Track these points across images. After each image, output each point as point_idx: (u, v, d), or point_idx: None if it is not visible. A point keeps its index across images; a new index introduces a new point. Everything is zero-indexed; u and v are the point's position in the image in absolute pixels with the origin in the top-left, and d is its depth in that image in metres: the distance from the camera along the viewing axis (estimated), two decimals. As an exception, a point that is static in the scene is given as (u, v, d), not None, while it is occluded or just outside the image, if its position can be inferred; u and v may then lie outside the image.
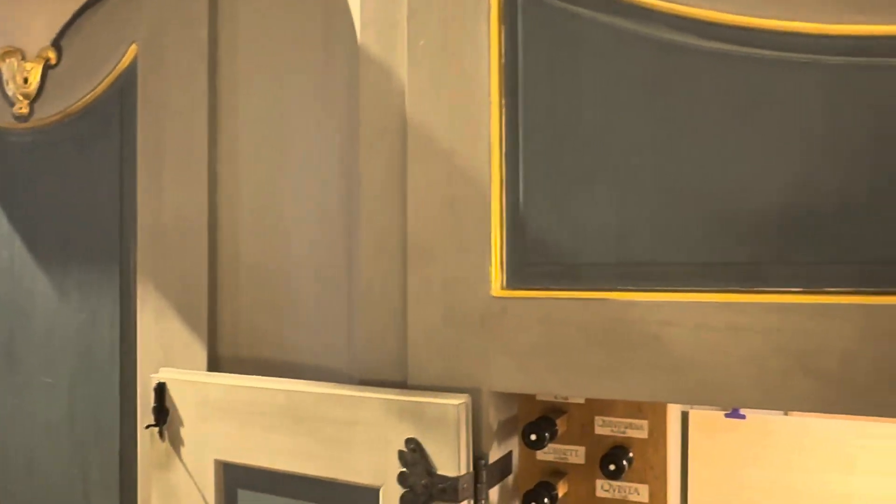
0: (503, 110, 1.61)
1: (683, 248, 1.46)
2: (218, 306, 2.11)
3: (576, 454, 1.79)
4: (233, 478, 1.86)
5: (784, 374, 1.39)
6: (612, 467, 1.63)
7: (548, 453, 1.81)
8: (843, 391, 1.35)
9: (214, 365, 2.09)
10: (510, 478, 1.76)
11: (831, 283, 1.36)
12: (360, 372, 1.79)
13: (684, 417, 1.98)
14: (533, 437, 1.63)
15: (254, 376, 1.90)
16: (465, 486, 1.55)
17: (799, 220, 1.38)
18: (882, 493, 1.79)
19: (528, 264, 1.59)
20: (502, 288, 1.61)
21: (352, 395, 1.67)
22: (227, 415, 1.83)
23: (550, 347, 1.57)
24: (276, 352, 2.05)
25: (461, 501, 1.54)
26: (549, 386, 1.58)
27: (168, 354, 2.13)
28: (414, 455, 1.58)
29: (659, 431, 1.71)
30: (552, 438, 1.68)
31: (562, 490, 1.76)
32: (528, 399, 1.81)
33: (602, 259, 1.52)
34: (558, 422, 1.72)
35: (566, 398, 1.80)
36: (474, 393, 1.63)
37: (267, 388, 1.78)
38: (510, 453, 1.76)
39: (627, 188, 1.49)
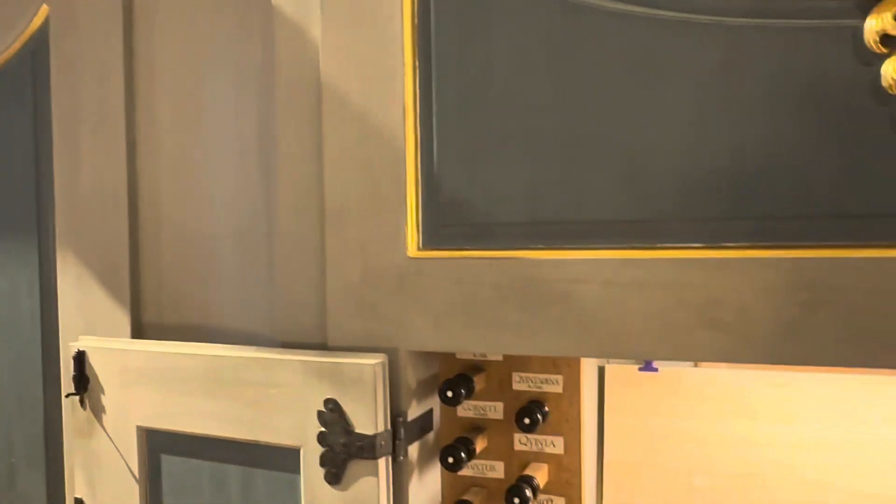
0: (417, 72, 1.62)
1: (590, 207, 1.49)
2: (140, 272, 2.09)
3: (494, 410, 1.83)
4: (156, 444, 1.86)
5: (687, 326, 1.44)
6: (526, 421, 1.68)
7: (467, 410, 1.86)
8: (740, 341, 1.41)
9: (138, 332, 2.07)
10: (431, 435, 1.80)
11: (729, 239, 1.41)
12: (281, 335, 1.80)
13: (601, 372, 2.04)
14: (449, 393, 1.66)
15: (174, 342, 1.89)
16: (382, 443, 1.58)
17: (699, 178, 1.42)
18: (782, 439, 1.88)
19: (442, 225, 1.61)
20: (418, 249, 1.63)
21: (271, 358, 1.69)
22: (148, 381, 1.83)
23: (466, 306, 1.60)
24: (201, 317, 2.05)
25: (379, 458, 1.58)
26: (464, 344, 1.61)
27: (91, 322, 2.11)
28: (332, 415, 1.61)
29: (573, 386, 1.77)
30: (469, 395, 1.72)
31: (480, 445, 1.80)
32: (447, 357, 1.85)
33: (514, 219, 1.55)
34: (476, 379, 1.76)
35: (484, 356, 1.84)
36: (392, 352, 1.65)
37: (187, 354, 1.78)
38: (430, 411, 1.80)
39: (536, 149, 1.52)
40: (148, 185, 2.06)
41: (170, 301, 2.06)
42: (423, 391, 1.74)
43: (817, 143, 1.35)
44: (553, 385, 1.78)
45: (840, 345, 1.36)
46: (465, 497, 1.77)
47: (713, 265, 1.42)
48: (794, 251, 1.37)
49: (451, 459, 1.67)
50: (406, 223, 1.63)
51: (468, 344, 1.61)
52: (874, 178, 1.32)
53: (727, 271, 1.41)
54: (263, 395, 1.69)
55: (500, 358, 1.83)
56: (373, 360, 1.58)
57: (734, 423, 1.92)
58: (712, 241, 1.42)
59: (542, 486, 1.78)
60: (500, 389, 1.83)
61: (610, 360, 2.08)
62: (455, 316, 1.61)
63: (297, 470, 1.68)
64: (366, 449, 1.57)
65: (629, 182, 1.47)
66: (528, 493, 1.64)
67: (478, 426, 1.85)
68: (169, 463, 1.86)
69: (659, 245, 1.45)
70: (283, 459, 1.70)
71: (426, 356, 1.76)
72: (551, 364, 1.79)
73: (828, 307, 1.35)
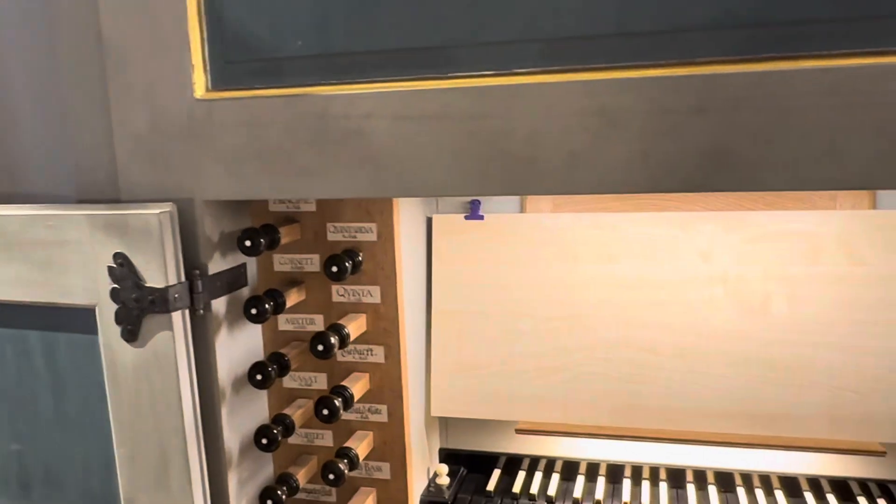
0: None
1: (378, 35, 1.40)
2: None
3: (310, 263, 1.77)
4: (-50, 314, 1.74)
5: (479, 159, 1.39)
6: (334, 269, 1.62)
7: (284, 264, 1.79)
8: (532, 172, 1.37)
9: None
10: (245, 290, 1.74)
11: (519, 64, 1.34)
12: (77, 192, 1.68)
13: (428, 222, 2.00)
14: (248, 243, 1.58)
15: (-43, 206, 1.74)
16: (176, 296, 1.50)
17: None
18: (603, 279, 1.90)
19: (229, 62, 1.49)
20: (206, 90, 1.51)
21: (56, 215, 1.56)
22: (-65, 249, 1.68)
23: (258, 150, 1.50)
24: (10, 185, 1.88)
25: (173, 312, 1.50)
26: (259, 191, 1.52)
27: None
28: (122, 269, 1.51)
29: (387, 234, 1.72)
30: (272, 246, 1.65)
31: (295, 298, 1.75)
32: (258, 209, 1.77)
33: (302, 52, 1.44)
34: (285, 230, 1.69)
35: (297, 207, 1.76)
36: (187, 203, 1.55)
37: (-32, 216, 1.64)
38: (242, 266, 1.72)
39: (318, -28, 1.39)
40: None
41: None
42: (230, 245, 1.66)
43: (601, -43, 1.28)
44: (367, 234, 1.73)
45: (629, 170, 1.33)
46: (283, 350, 1.73)
47: (504, 93, 1.35)
48: (583, 74, 1.32)
49: (253, 311, 1.61)
50: (191, 63, 1.50)
51: (263, 190, 1.52)
52: (656, -8, 1.26)
53: (518, 99, 1.35)
54: (55, 254, 1.58)
55: (312, 208, 1.75)
56: (157, 210, 1.48)
57: (558, 267, 1.93)
58: (503, 68, 1.35)
59: (359, 336, 1.75)
60: (316, 241, 1.77)
61: (438, 210, 2.04)
62: (248, 161, 1.51)
63: (95, 330, 1.59)
64: (158, 303, 1.49)
65: (415, 6, 1.37)
66: (334, 340, 1.60)
67: (296, 280, 1.80)
68: (-34, 333, 1.74)
69: (450, 74, 1.38)
70: (81, 320, 1.61)
71: (232, 208, 1.67)
72: (364, 212, 1.72)
73: (617, 132, 1.32)
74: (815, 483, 1.94)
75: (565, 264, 1.92)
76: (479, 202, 1.99)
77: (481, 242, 1.97)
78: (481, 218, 1.97)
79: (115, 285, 1.53)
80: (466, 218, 1.97)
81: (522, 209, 2.01)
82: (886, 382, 1.74)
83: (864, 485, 1.91)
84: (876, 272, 1.75)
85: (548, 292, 1.93)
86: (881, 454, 1.78)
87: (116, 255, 1.52)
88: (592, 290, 1.91)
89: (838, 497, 1.89)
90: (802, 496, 1.91)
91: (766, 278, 1.81)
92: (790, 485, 1.95)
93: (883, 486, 1.90)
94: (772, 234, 1.81)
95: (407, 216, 1.85)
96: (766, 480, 1.97)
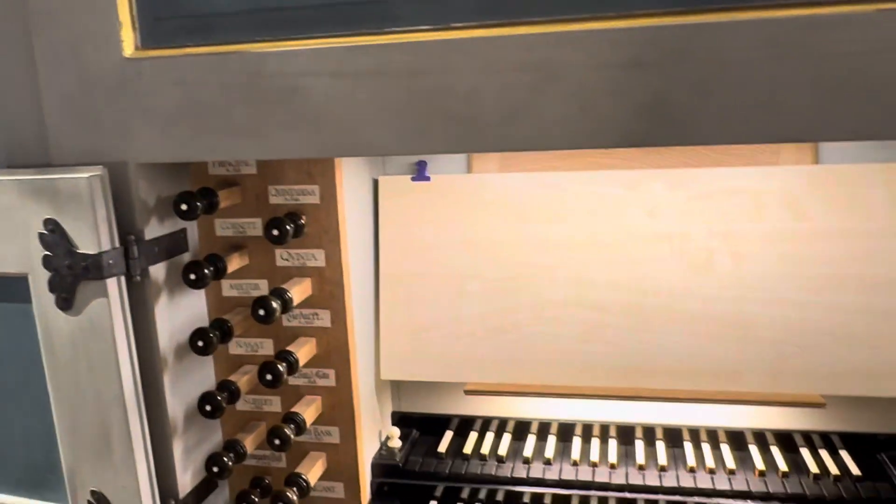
0: None
1: (313, -12, 1.35)
2: None
3: (253, 227, 1.74)
4: None
5: (418, 116, 1.36)
6: (275, 233, 1.59)
7: (226, 229, 1.76)
8: (470, 129, 1.35)
9: None
10: (186, 256, 1.70)
11: (457, 18, 1.31)
12: (6, 157, 1.61)
13: (374, 184, 1.98)
14: (184, 206, 1.54)
15: None
16: (110, 262, 1.46)
17: (422, -50, 1.30)
18: (550, 239, 1.90)
19: (158, 19, 1.43)
20: (136, 48, 1.46)
21: (-18, 180, 1.51)
22: None
23: (192, 111, 1.45)
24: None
25: (108, 278, 1.46)
26: (194, 152, 1.48)
27: None
28: (54, 236, 1.46)
29: (330, 196, 1.69)
30: (210, 210, 1.61)
31: (237, 263, 1.72)
32: (198, 172, 1.72)
33: (234, 7, 1.39)
34: (224, 193, 1.65)
35: (238, 170, 1.72)
36: (120, 166, 1.51)
37: None
38: (182, 231, 1.68)
39: (245, -79, 1.34)
40: None
41: None
42: (168, 210, 1.61)
43: None
44: (310, 196, 1.70)
45: (569, 126, 1.32)
46: (227, 316, 1.70)
47: (442, 48, 1.32)
48: (521, 28, 1.29)
49: (192, 276, 1.58)
50: (118, 19, 1.44)
51: (198, 152, 1.48)
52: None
53: (456, 54, 1.32)
54: (-17, 222, 1.52)
55: (253, 171, 1.71)
56: (88, 174, 1.43)
57: (506, 227, 1.92)
58: (441, 22, 1.32)
59: (304, 301, 1.73)
60: (258, 205, 1.73)
61: (385, 172, 2.01)
62: (181, 122, 1.46)
63: (28, 299, 1.54)
64: (92, 269, 1.45)
65: (351, -43, 1.33)
66: (276, 304, 1.58)
67: (238, 245, 1.76)
68: None
69: (387, 30, 1.34)
70: (14, 289, 1.56)
71: (169, 171, 1.62)
72: (306, 174, 1.69)
73: (556, 86, 1.30)
74: (760, 436, 1.97)
75: (513, 224, 1.91)
76: (425, 163, 1.96)
77: (428, 204, 1.95)
78: (428, 179, 1.94)
79: (47, 252, 1.49)
80: (413, 179, 1.95)
81: (469, 170, 1.99)
82: (827, 336, 1.77)
83: (807, 436, 1.96)
84: (818, 227, 1.77)
85: (496, 253, 1.92)
86: (821, 406, 1.81)
87: (47, 222, 1.47)
88: (540, 250, 1.90)
89: (782, 449, 1.93)
90: (748, 449, 1.94)
91: (710, 235, 1.82)
92: (736, 439, 1.98)
93: (825, 437, 1.95)
94: (716, 192, 1.81)
95: (351, 178, 1.82)
96: (713, 435, 2.00)
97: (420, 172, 1.94)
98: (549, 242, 1.90)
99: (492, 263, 1.92)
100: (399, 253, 1.96)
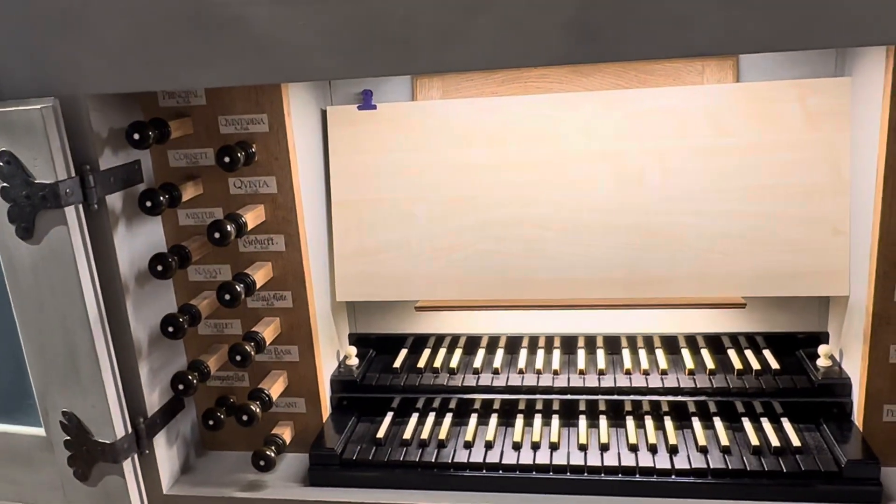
0: None
1: (250, -82, 1.40)
2: None
3: (205, 156, 1.80)
4: None
5: (358, 41, 1.44)
6: (226, 160, 1.66)
7: (179, 159, 1.82)
8: (408, 53, 1.43)
9: None
10: (141, 186, 1.76)
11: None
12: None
13: (323, 114, 2.04)
14: (136, 136, 1.60)
15: None
16: (67, 191, 1.52)
17: None
18: (493, 162, 1.99)
19: (102, -49, 1.47)
20: (81, -19, 1.50)
21: (-65, 116, 1.54)
22: None
23: (141, 42, 1.51)
24: None
25: (66, 207, 1.53)
26: (143, 82, 1.54)
27: None
28: (10, 167, 1.52)
29: (279, 124, 1.75)
30: (162, 140, 1.67)
31: (193, 192, 1.79)
32: (150, 105, 1.77)
33: (175, -63, 1.44)
34: (175, 124, 1.70)
35: (188, 101, 1.77)
36: (72, 99, 1.56)
37: None
38: (137, 162, 1.74)
39: None
40: None
41: None
42: (122, 141, 1.67)
43: None
44: (259, 125, 1.76)
45: (499, 46, 1.40)
46: (185, 243, 1.77)
47: (378, -26, 1.39)
48: (452, -47, 1.36)
49: (148, 203, 1.64)
50: (62, -48, 1.48)
51: (146, 82, 1.54)
52: None
53: (393, -20, 1.39)
54: (-62, 158, 1.57)
55: (202, 102, 1.77)
56: (40, 105, 1.48)
57: (451, 152, 2.00)
58: (376, -51, 1.39)
59: (259, 226, 1.81)
60: (209, 135, 1.79)
61: (333, 102, 2.08)
62: (129, 53, 1.52)
63: (-11, 232, 1.60)
64: (50, 198, 1.51)
65: None
66: (230, 227, 1.65)
67: (193, 174, 1.82)
68: None
69: (325, -43, 1.40)
70: (-25, 225, 1.62)
71: (120, 103, 1.67)
72: (254, 104, 1.75)
73: (487, 7, 1.38)
74: (691, 340, 2.12)
75: (457, 149, 2.00)
76: (370, 92, 2.03)
77: (375, 132, 2.02)
78: (374, 108, 2.01)
79: (5, 184, 1.54)
80: (359, 108, 2.01)
81: (414, 97, 2.06)
82: (747, 242, 1.91)
83: (734, 338, 2.11)
84: (739, 142, 1.88)
85: (442, 176, 2.01)
86: (742, 306, 1.96)
87: (2, 154, 1.52)
88: (484, 173, 1.99)
89: (711, 351, 2.08)
90: (680, 353, 2.10)
91: (642, 153, 1.93)
92: (670, 343, 2.13)
93: (750, 339, 2.11)
94: (645, 111, 1.92)
95: (299, 107, 1.88)
96: (648, 341, 2.15)
97: (366, 101, 2.01)
98: (492, 164, 1.99)
99: (438, 187, 2.01)
100: (349, 180, 2.04)
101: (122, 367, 1.73)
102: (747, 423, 1.88)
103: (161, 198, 1.65)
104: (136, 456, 1.78)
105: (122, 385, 1.72)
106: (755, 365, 1.99)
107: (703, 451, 1.80)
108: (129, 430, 1.74)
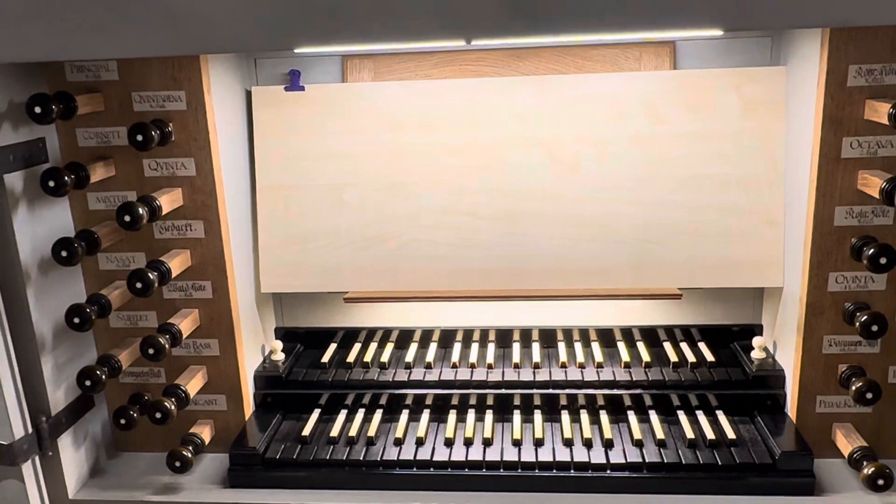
0: None
1: None
2: None
3: (117, 136, 1.68)
4: None
5: (281, 11, 1.34)
6: (139, 138, 1.55)
7: (89, 139, 1.69)
8: (333, 23, 1.34)
9: None
10: (46, 166, 1.63)
11: None
12: None
13: (248, 95, 1.94)
14: (37, 109, 1.48)
15: None
16: (-39, 168, 1.40)
17: None
18: (425, 147, 1.92)
19: None
20: (-24, -61, 1.37)
21: None
22: None
23: (43, 7, 1.38)
24: None
25: (-41, 185, 1.40)
26: (48, 52, 1.41)
27: None
28: None
29: (197, 101, 1.65)
30: (68, 115, 1.55)
31: (104, 173, 1.66)
32: (57, 79, 1.64)
33: None
34: (82, 99, 1.58)
35: (98, 76, 1.65)
36: (-34, 69, 1.43)
37: None
38: (41, 139, 1.61)
39: None
40: None
41: None
42: (23, 116, 1.54)
43: None
44: (176, 103, 1.65)
45: (432, 19, 1.33)
46: (94, 228, 1.65)
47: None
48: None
49: (51, 183, 1.52)
50: None
51: (52, 51, 1.41)
52: None
53: (317, -54, 1.30)
54: None
55: (114, 77, 1.65)
56: (-74, 71, 1.35)
57: (382, 136, 1.93)
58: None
59: (176, 211, 1.70)
60: (122, 113, 1.67)
61: (258, 82, 1.98)
62: (31, 20, 1.39)
63: None
64: (-61, 175, 1.39)
65: None
66: (142, 210, 1.54)
67: (104, 155, 1.70)
68: None
69: (244, -80, 1.31)
70: None
71: (22, 75, 1.55)
72: (171, 79, 1.64)
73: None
74: (627, 333, 2.09)
75: (389, 133, 1.92)
76: (298, 72, 1.93)
77: (303, 114, 1.92)
78: (302, 89, 1.92)
79: None
80: (287, 89, 1.92)
81: (344, 79, 1.98)
82: (684, 233, 1.88)
83: (669, 331, 2.09)
84: (675, 130, 1.86)
85: (373, 162, 1.93)
86: (678, 297, 1.93)
87: None
88: (416, 158, 1.92)
89: (647, 344, 2.05)
90: (616, 346, 2.06)
91: (578, 140, 1.88)
92: (606, 336, 2.10)
93: (685, 331, 2.09)
94: (582, 97, 1.87)
95: (221, 86, 1.78)
96: (584, 334, 2.11)
97: (294, 82, 1.92)
98: (425, 150, 1.92)
99: (369, 173, 1.93)
100: (275, 164, 1.94)
101: (22, 361, 1.60)
102: (683, 417, 1.86)
103: (66, 178, 1.53)
104: (37, 458, 1.65)
105: (20, 381, 1.59)
106: (690, 357, 1.97)
107: (639, 444, 1.77)
108: (30, 429, 1.61)
